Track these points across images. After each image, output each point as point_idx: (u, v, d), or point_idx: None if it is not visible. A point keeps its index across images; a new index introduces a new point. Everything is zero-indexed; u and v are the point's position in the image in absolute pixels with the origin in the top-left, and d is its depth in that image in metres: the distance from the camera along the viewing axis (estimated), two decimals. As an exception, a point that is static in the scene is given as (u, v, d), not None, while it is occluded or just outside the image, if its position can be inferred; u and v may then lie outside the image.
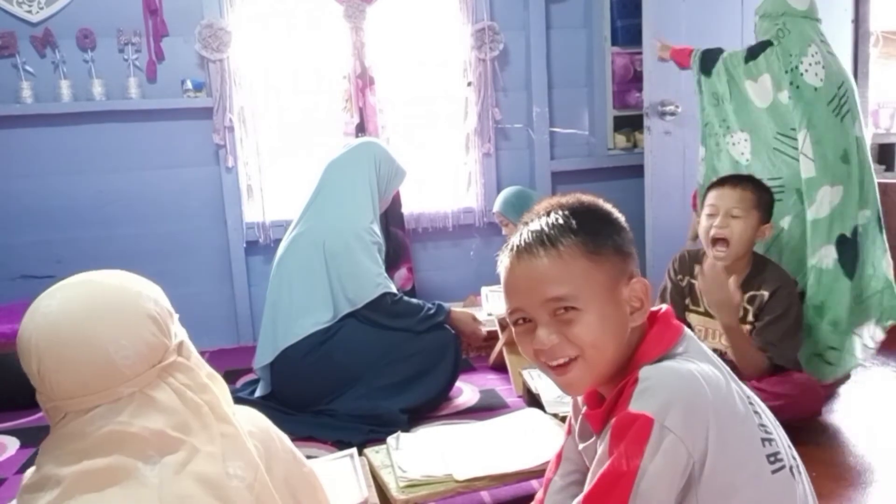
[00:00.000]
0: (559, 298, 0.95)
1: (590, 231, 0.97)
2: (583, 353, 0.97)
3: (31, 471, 0.93)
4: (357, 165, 2.43)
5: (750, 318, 2.08)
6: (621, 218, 1.05)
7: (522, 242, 0.99)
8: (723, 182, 2.18)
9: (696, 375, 0.92)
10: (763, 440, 0.94)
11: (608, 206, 1.05)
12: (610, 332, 0.97)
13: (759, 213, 2.07)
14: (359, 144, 2.55)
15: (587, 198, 1.05)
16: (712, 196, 2.14)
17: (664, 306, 1.05)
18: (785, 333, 2.03)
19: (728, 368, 1.01)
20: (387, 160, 2.50)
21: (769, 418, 0.99)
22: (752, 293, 2.09)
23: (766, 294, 2.06)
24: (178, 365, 0.96)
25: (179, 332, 1.00)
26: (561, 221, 0.98)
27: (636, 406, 0.90)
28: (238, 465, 0.94)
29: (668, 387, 0.90)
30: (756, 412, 0.97)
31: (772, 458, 0.94)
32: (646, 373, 0.93)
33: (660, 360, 0.96)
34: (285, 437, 1.12)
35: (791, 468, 0.96)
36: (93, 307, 0.91)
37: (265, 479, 0.97)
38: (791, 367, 2.03)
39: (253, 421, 1.05)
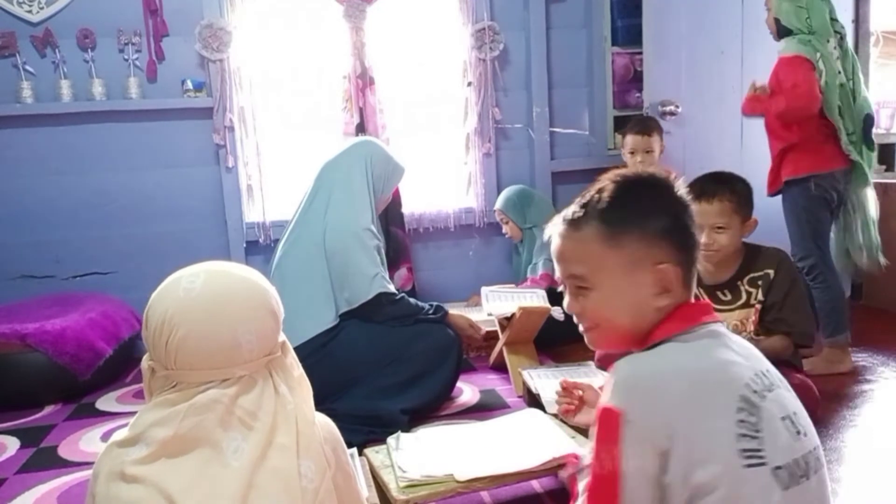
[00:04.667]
0: (574, 276, 1.05)
1: (615, 218, 1.02)
2: (597, 325, 1.06)
3: (123, 429, 1.00)
4: (352, 166, 2.41)
5: (760, 297, 2.17)
6: (679, 201, 1.07)
7: (563, 218, 1.07)
8: (699, 195, 2.23)
9: (668, 367, 0.95)
10: (740, 435, 0.90)
11: (661, 189, 1.06)
12: (622, 309, 1.02)
13: (740, 216, 2.16)
14: (353, 145, 2.53)
15: (645, 176, 1.07)
16: (694, 211, 2.25)
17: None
18: (801, 308, 2.15)
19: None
20: (382, 159, 2.46)
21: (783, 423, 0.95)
22: (753, 275, 2.19)
23: (771, 272, 2.16)
24: (279, 361, 1.07)
25: (282, 332, 1.09)
26: (593, 204, 1.04)
27: (606, 399, 0.94)
28: (309, 466, 1.01)
29: (634, 379, 0.94)
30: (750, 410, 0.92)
31: (747, 454, 0.90)
32: (619, 364, 0.97)
33: (659, 344, 0.99)
34: (349, 453, 1.19)
35: (776, 468, 0.91)
36: (231, 293, 1.02)
37: (330, 486, 1.04)
38: (809, 345, 2.17)
39: (327, 428, 1.12)
